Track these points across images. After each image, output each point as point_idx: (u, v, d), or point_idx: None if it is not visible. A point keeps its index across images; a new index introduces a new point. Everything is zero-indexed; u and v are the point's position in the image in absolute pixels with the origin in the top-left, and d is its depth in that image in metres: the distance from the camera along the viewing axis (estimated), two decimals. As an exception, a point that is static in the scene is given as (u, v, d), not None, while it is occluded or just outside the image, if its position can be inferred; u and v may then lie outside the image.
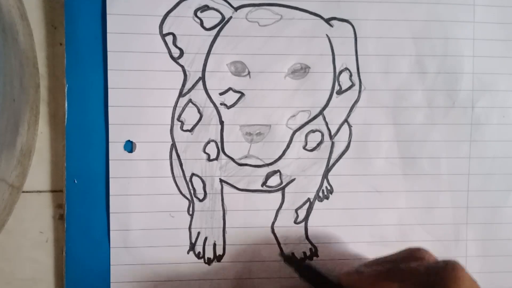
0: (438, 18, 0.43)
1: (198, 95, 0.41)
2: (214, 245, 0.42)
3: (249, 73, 0.41)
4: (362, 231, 0.42)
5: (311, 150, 0.42)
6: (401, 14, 0.42)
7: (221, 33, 0.41)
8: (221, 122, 0.41)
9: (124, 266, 0.41)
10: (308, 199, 0.42)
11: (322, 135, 0.42)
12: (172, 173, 0.41)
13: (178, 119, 0.41)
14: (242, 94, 0.41)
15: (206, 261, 0.42)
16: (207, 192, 0.42)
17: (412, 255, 0.36)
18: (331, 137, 0.42)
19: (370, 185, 0.42)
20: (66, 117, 0.40)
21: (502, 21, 0.44)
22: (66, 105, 0.40)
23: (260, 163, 0.42)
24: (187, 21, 0.41)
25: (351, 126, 0.42)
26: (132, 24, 0.40)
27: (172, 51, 0.41)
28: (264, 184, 0.42)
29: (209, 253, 0.42)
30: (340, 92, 0.42)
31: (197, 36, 0.41)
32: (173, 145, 0.41)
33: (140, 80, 0.40)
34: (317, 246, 0.42)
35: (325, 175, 0.42)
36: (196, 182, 0.41)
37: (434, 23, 0.43)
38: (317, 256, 0.42)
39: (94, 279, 0.40)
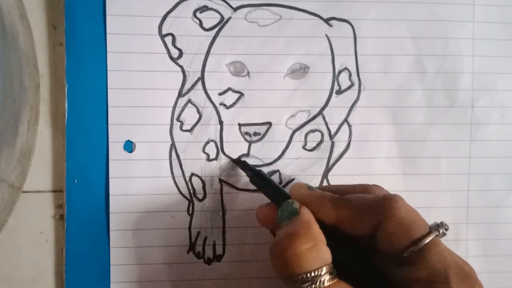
0: (438, 18, 0.43)
1: (197, 95, 0.41)
2: (214, 245, 0.42)
3: (248, 73, 0.41)
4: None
5: (311, 150, 0.42)
6: (401, 14, 0.42)
7: (220, 34, 0.41)
8: (221, 122, 0.41)
9: (124, 266, 0.41)
10: (308, 199, 0.42)
11: (322, 135, 0.42)
12: (172, 173, 0.41)
13: (178, 119, 0.41)
14: (242, 94, 0.41)
15: (206, 261, 0.42)
16: (207, 192, 0.42)
17: (366, 190, 0.37)
18: (331, 137, 0.42)
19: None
20: (66, 117, 0.40)
21: (501, 21, 0.44)
22: (66, 105, 0.40)
23: (260, 163, 0.42)
24: (186, 21, 0.41)
25: (351, 126, 0.42)
26: (132, 25, 0.40)
27: (172, 51, 0.41)
28: (263, 184, 0.42)
29: (209, 253, 0.42)
30: (339, 92, 0.42)
31: (196, 37, 0.41)
32: (173, 145, 0.41)
33: (139, 81, 0.40)
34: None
35: (325, 175, 0.42)
36: (196, 182, 0.41)
37: (434, 22, 0.43)
38: (317, 256, 0.42)
39: (94, 279, 0.40)
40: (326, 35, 0.42)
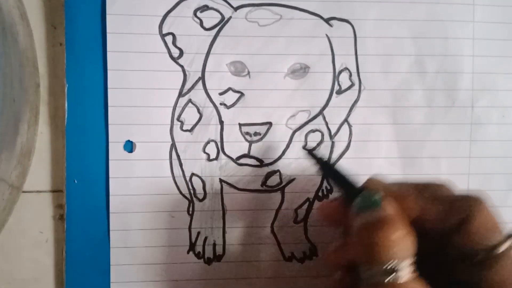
0: (438, 18, 0.43)
1: (197, 95, 0.41)
2: (214, 245, 0.42)
3: (248, 73, 0.41)
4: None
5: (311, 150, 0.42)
6: (401, 14, 0.42)
7: (221, 33, 0.41)
8: (221, 122, 0.41)
9: (124, 266, 0.41)
10: (308, 199, 0.42)
11: (322, 135, 0.42)
12: (172, 173, 0.41)
13: (178, 119, 0.41)
14: (242, 94, 0.41)
15: (206, 261, 0.42)
16: (207, 192, 0.42)
17: (439, 186, 0.36)
18: (331, 137, 0.42)
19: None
20: (66, 117, 0.40)
21: (502, 21, 0.44)
22: (66, 105, 0.40)
23: (260, 163, 0.42)
24: (187, 21, 0.41)
25: (351, 126, 0.42)
26: (132, 24, 0.40)
27: (172, 51, 0.41)
28: (263, 184, 0.42)
29: (209, 253, 0.42)
30: (340, 92, 0.42)
31: (196, 36, 0.41)
32: (173, 145, 0.41)
33: (140, 80, 0.40)
34: (317, 246, 0.42)
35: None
36: (196, 182, 0.41)
37: (434, 22, 0.43)
38: (317, 255, 0.42)
39: (94, 279, 0.40)
40: (327, 35, 0.42)
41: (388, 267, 0.30)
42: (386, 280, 0.30)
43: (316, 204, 0.42)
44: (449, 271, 0.33)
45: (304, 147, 0.42)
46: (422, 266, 0.32)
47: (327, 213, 0.37)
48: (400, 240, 0.31)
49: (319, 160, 0.38)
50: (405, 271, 0.30)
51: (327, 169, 0.38)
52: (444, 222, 0.33)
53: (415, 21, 0.43)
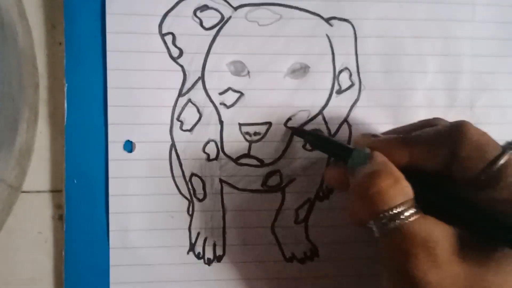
0: (438, 17, 0.43)
1: (197, 94, 0.41)
2: (214, 245, 0.42)
3: (248, 72, 0.41)
4: (362, 230, 0.42)
5: (311, 150, 0.42)
6: (401, 14, 0.42)
7: (221, 33, 0.41)
8: (221, 122, 0.41)
9: (123, 266, 0.40)
10: (309, 199, 0.42)
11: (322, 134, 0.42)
12: (172, 173, 0.41)
13: (178, 119, 0.41)
14: (242, 94, 0.41)
15: (206, 261, 0.42)
16: (207, 192, 0.41)
17: (428, 123, 0.37)
18: (330, 136, 0.42)
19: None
20: (65, 116, 0.40)
21: (501, 20, 0.44)
22: (65, 104, 0.40)
23: (260, 163, 0.42)
24: (187, 20, 0.41)
25: (351, 126, 0.42)
26: (132, 23, 0.40)
27: (172, 50, 0.41)
28: (264, 184, 0.42)
29: (209, 254, 0.42)
30: (340, 91, 0.42)
31: (196, 36, 0.41)
32: (173, 145, 0.41)
33: (139, 80, 0.40)
34: (318, 246, 0.42)
35: (325, 175, 0.42)
36: (196, 182, 0.41)
37: (434, 22, 0.43)
38: (318, 256, 0.42)
39: (94, 279, 0.40)
40: (327, 34, 0.42)
41: (391, 213, 0.31)
42: (393, 226, 0.31)
43: (317, 204, 0.42)
44: (455, 203, 0.33)
45: (290, 128, 0.42)
46: (427, 206, 0.33)
47: (332, 178, 0.38)
48: (394, 185, 0.32)
49: (307, 135, 0.40)
50: (409, 212, 0.31)
51: (316, 140, 0.39)
52: (434, 161, 0.34)
53: (415, 20, 0.43)
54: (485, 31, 0.43)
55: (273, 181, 0.42)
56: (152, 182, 0.41)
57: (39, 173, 0.40)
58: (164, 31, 0.40)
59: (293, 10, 0.42)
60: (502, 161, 0.32)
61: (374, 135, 0.37)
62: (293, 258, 0.42)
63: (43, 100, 0.40)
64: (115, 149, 0.40)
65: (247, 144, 0.41)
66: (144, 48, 0.40)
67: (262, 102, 0.41)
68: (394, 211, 0.31)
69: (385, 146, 0.35)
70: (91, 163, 0.40)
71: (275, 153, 0.42)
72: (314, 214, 0.42)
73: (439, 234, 0.31)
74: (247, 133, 0.41)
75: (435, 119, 0.38)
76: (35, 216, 0.41)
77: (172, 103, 0.41)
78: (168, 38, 0.41)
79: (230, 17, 0.41)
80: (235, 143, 0.41)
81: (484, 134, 0.33)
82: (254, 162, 0.42)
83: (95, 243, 0.40)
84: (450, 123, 0.35)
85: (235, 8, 0.41)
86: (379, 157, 0.34)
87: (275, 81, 0.41)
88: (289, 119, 0.42)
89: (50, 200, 0.41)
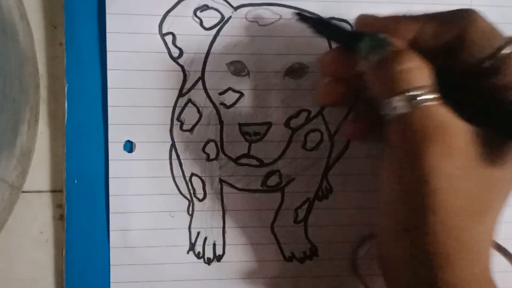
0: (437, 18, 0.43)
1: (197, 95, 0.41)
2: (214, 245, 0.42)
3: (248, 72, 0.41)
4: (362, 230, 0.42)
5: (311, 150, 0.42)
6: (400, 14, 0.42)
7: (221, 33, 0.41)
8: (221, 122, 0.41)
9: (124, 266, 0.41)
10: (308, 199, 0.42)
11: (322, 134, 0.42)
12: (172, 173, 0.41)
13: (178, 119, 0.41)
14: (242, 94, 0.41)
15: (206, 261, 0.42)
16: (207, 192, 0.42)
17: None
18: (330, 136, 0.42)
19: (370, 185, 0.42)
20: (66, 117, 0.40)
21: (498, 21, 0.43)
22: (66, 105, 0.40)
23: (260, 163, 0.42)
24: (187, 20, 0.41)
25: (351, 126, 0.42)
26: (132, 23, 0.40)
27: (172, 50, 0.41)
28: (263, 184, 0.42)
29: (209, 253, 0.42)
30: (339, 91, 0.42)
31: (196, 36, 0.41)
32: (173, 145, 0.41)
33: (139, 80, 0.40)
34: (317, 246, 0.42)
35: (324, 175, 0.42)
36: (196, 182, 0.41)
37: (433, 22, 0.43)
38: (317, 255, 0.42)
39: (94, 279, 0.40)
40: (326, 35, 0.42)
41: (415, 93, 0.31)
42: (415, 105, 0.31)
43: (317, 204, 0.42)
44: (461, 91, 0.33)
45: (297, 14, 0.40)
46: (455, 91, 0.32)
47: (326, 63, 0.38)
48: (418, 67, 0.31)
49: (312, 20, 0.39)
50: (432, 96, 0.31)
51: (322, 25, 0.38)
52: (442, 37, 0.33)
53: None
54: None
55: (273, 181, 0.42)
56: (152, 182, 0.41)
57: (39, 173, 0.41)
58: (164, 31, 0.41)
59: (292, 10, 0.42)
60: (506, 50, 0.32)
61: (376, 16, 0.36)
62: (293, 258, 0.42)
63: (43, 100, 0.41)
64: (115, 149, 0.40)
65: (247, 144, 0.42)
66: (144, 48, 0.40)
67: (262, 102, 0.41)
68: (417, 92, 0.31)
69: (392, 22, 0.35)
70: (91, 163, 0.40)
71: (274, 153, 0.42)
72: (313, 214, 0.42)
73: (458, 124, 0.31)
74: (247, 133, 0.41)
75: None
76: (35, 216, 0.41)
77: (172, 103, 0.41)
78: (168, 38, 0.41)
79: (230, 17, 0.41)
80: (235, 143, 0.41)
81: (492, 24, 0.33)
82: (254, 162, 0.42)
83: (95, 242, 0.40)
84: (460, 9, 0.34)
85: (235, 8, 0.41)
86: (399, 41, 0.33)
87: (275, 81, 0.41)
88: (290, 119, 0.42)
89: (51, 200, 0.41)
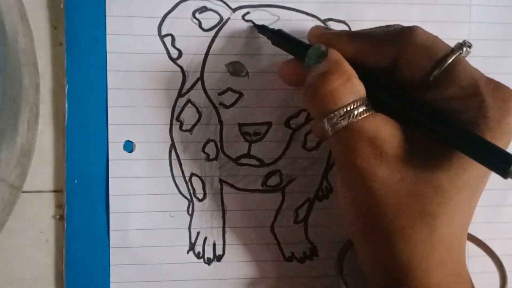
0: (434, 19, 0.43)
1: (197, 95, 0.41)
2: (214, 245, 0.42)
3: (247, 73, 0.41)
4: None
5: (311, 150, 0.42)
6: (397, 15, 0.43)
7: (219, 34, 0.41)
8: (220, 122, 0.41)
9: (124, 266, 0.41)
10: (308, 199, 0.42)
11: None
12: (172, 173, 0.41)
13: (177, 119, 0.41)
14: (241, 94, 0.41)
15: (205, 261, 0.42)
16: (207, 192, 0.42)
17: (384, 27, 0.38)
18: (330, 136, 0.42)
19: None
20: (66, 117, 0.40)
21: (498, 21, 0.44)
22: (66, 105, 0.40)
23: (260, 163, 0.42)
24: (186, 22, 0.41)
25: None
26: (132, 25, 0.41)
27: (171, 52, 0.41)
28: (263, 184, 0.42)
29: (208, 253, 0.42)
30: (338, 92, 0.42)
31: (195, 37, 0.41)
32: (172, 145, 0.41)
33: (139, 81, 0.41)
34: (317, 246, 0.42)
35: (325, 175, 0.43)
36: (196, 182, 0.42)
37: (430, 23, 0.43)
38: (317, 255, 0.42)
39: (94, 279, 0.40)
40: (324, 35, 0.42)
41: (342, 112, 0.32)
42: (345, 123, 0.32)
43: (317, 204, 0.42)
44: (406, 103, 0.34)
45: (254, 24, 0.42)
46: (380, 106, 0.33)
47: (285, 73, 0.39)
48: (345, 84, 0.32)
49: (268, 31, 0.40)
50: (359, 110, 0.32)
51: (276, 36, 0.40)
52: (380, 57, 0.34)
53: (411, 22, 0.43)
54: (482, 32, 0.44)
55: (273, 181, 0.42)
56: (152, 182, 0.41)
57: (40, 173, 0.41)
58: (163, 33, 0.41)
59: (290, 11, 0.42)
60: (450, 60, 0.32)
61: (327, 28, 0.38)
62: (293, 258, 0.42)
63: (43, 100, 0.41)
64: (115, 149, 0.41)
65: (247, 144, 0.42)
66: (144, 49, 0.41)
67: (261, 102, 0.42)
68: (345, 110, 0.32)
69: (334, 39, 0.36)
70: (91, 163, 0.40)
71: (275, 153, 0.42)
72: (313, 214, 0.42)
73: (387, 131, 0.32)
74: (247, 133, 0.42)
75: (392, 24, 0.38)
76: (36, 216, 0.41)
77: (172, 104, 0.41)
78: (168, 40, 0.41)
79: (228, 19, 0.41)
80: (235, 143, 0.42)
81: (433, 36, 0.34)
82: (254, 162, 0.42)
83: (95, 242, 0.40)
84: (402, 26, 0.35)
85: (234, 10, 0.41)
86: (334, 55, 0.34)
87: (274, 81, 0.42)
88: (290, 119, 0.42)
89: (51, 200, 0.41)
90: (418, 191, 0.32)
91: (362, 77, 0.34)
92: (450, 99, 0.32)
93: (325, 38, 0.36)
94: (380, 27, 0.38)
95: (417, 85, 0.33)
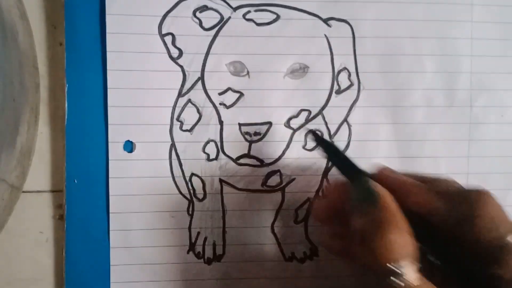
0: (436, 18, 0.43)
1: (197, 95, 0.41)
2: (214, 245, 0.42)
3: (248, 73, 0.41)
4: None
5: (311, 150, 0.42)
6: (399, 14, 0.43)
7: (220, 33, 0.41)
8: (221, 122, 0.41)
9: (124, 266, 0.41)
10: (308, 199, 0.42)
11: (322, 134, 0.42)
12: (172, 173, 0.41)
13: (178, 119, 0.41)
14: (241, 94, 0.41)
15: (206, 261, 0.42)
16: (207, 192, 0.42)
17: (442, 181, 0.36)
18: (330, 136, 0.42)
19: (370, 184, 0.42)
20: (66, 117, 0.40)
21: (499, 21, 0.44)
22: (66, 105, 0.40)
23: (260, 163, 0.42)
24: (186, 21, 0.41)
25: (351, 126, 0.42)
26: (131, 24, 0.40)
27: (171, 51, 0.41)
28: (264, 184, 0.42)
29: (209, 253, 0.42)
30: (339, 91, 0.42)
31: (196, 36, 0.41)
32: (173, 145, 0.41)
33: (139, 80, 0.40)
34: (317, 246, 0.42)
35: (324, 175, 0.42)
36: (196, 182, 0.41)
37: (432, 22, 0.43)
38: (317, 255, 0.42)
39: (94, 279, 0.40)
40: (325, 35, 0.42)
41: (393, 267, 0.30)
42: (392, 282, 0.30)
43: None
44: (463, 271, 0.33)
45: (312, 133, 0.41)
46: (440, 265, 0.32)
47: (321, 212, 0.37)
48: (400, 238, 0.31)
49: (324, 144, 0.38)
50: (409, 272, 0.30)
51: (332, 152, 0.37)
52: (451, 216, 0.33)
53: (413, 21, 0.43)
54: (483, 31, 0.43)
55: (273, 181, 0.42)
56: (152, 182, 0.41)
57: (40, 173, 0.41)
58: (164, 32, 0.41)
59: (291, 11, 0.42)
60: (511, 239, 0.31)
61: (393, 171, 0.36)
62: (293, 258, 0.42)
63: (43, 100, 0.41)
64: (115, 149, 0.40)
65: (247, 144, 0.42)
66: (144, 48, 0.41)
67: (262, 102, 0.41)
68: (396, 265, 0.30)
69: (408, 188, 0.34)
70: (91, 163, 0.40)
71: (275, 153, 0.42)
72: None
73: None
74: (247, 133, 0.41)
75: (448, 179, 0.36)
76: (36, 216, 0.41)
77: (172, 103, 0.41)
78: (168, 39, 0.41)
79: (229, 18, 0.41)
80: (235, 143, 0.42)
81: (502, 208, 0.33)
82: (254, 162, 0.42)
83: (95, 242, 0.41)
84: (475, 187, 0.34)
85: (234, 9, 0.41)
86: (388, 200, 0.32)
87: (274, 81, 0.42)
88: (290, 119, 0.42)
89: (51, 200, 0.41)
90: None
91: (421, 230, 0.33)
92: (506, 280, 0.31)
93: (398, 183, 0.34)
94: (448, 182, 0.36)
95: (475, 254, 0.32)
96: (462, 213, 0.32)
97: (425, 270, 0.31)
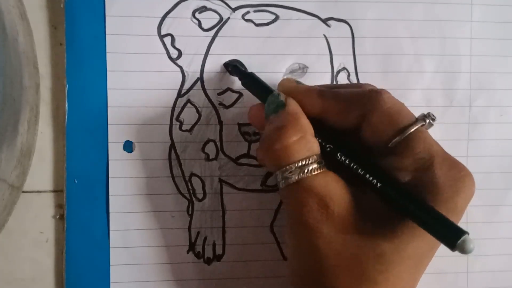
0: (436, 18, 0.43)
1: (196, 95, 0.41)
2: (214, 244, 0.42)
3: (247, 73, 0.41)
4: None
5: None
6: (399, 14, 0.43)
7: (219, 34, 0.41)
8: (220, 122, 0.41)
9: (124, 266, 0.41)
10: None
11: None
12: (171, 173, 0.41)
13: (177, 119, 0.41)
14: (241, 94, 0.41)
15: (205, 261, 0.42)
16: (207, 192, 0.42)
17: (357, 87, 0.38)
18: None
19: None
20: (66, 117, 0.40)
21: (499, 20, 0.44)
22: (66, 105, 0.40)
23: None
24: (185, 22, 0.41)
25: (350, 126, 0.42)
26: (131, 25, 0.41)
27: (171, 52, 0.41)
28: (263, 183, 0.42)
29: (208, 253, 0.42)
30: (338, 91, 0.42)
31: (195, 37, 0.41)
32: (172, 145, 0.41)
33: (139, 81, 0.41)
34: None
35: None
36: (195, 182, 0.42)
37: (432, 22, 0.43)
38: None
39: (94, 279, 0.40)
40: (324, 35, 0.42)
41: (294, 167, 0.33)
42: (296, 178, 0.33)
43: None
44: (362, 166, 0.34)
45: (224, 65, 0.42)
46: (343, 160, 0.34)
47: (252, 117, 0.39)
48: (299, 141, 0.33)
49: (240, 72, 0.40)
50: (311, 167, 0.33)
51: (247, 80, 0.39)
52: (345, 118, 0.35)
53: (412, 21, 0.43)
54: (483, 31, 0.44)
55: (273, 180, 0.42)
56: (152, 182, 0.41)
57: (40, 173, 0.41)
58: (163, 33, 0.41)
59: (290, 11, 0.42)
60: (410, 130, 0.32)
61: (299, 82, 0.38)
62: (293, 258, 0.42)
63: (44, 100, 0.41)
64: (115, 149, 0.41)
65: (246, 144, 0.42)
66: (144, 49, 0.41)
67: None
68: (297, 165, 0.33)
69: (302, 94, 0.36)
70: (91, 163, 0.41)
71: (274, 153, 0.42)
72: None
73: (337, 191, 0.33)
74: (247, 133, 0.42)
75: (367, 84, 0.39)
76: (36, 216, 0.41)
77: (172, 104, 0.41)
78: (167, 40, 0.41)
79: (228, 18, 0.41)
80: (234, 143, 0.42)
81: (399, 103, 0.34)
82: (254, 162, 0.42)
83: (95, 242, 0.41)
84: (370, 87, 0.36)
85: (233, 9, 0.41)
86: (291, 106, 0.35)
87: (274, 81, 0.42)
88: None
89: (51, 200, 0.41)
90: (360, 255, 0.32)
91: (323, 134, 0.34)
92: (405, 170, 0.33)
93: (294, 91, 0.36)
94: (352, 85, 0.39)
95: (377, 150, 0.34)
96: (358, 111, 0.34)
97: (334, 167, 0.34)
